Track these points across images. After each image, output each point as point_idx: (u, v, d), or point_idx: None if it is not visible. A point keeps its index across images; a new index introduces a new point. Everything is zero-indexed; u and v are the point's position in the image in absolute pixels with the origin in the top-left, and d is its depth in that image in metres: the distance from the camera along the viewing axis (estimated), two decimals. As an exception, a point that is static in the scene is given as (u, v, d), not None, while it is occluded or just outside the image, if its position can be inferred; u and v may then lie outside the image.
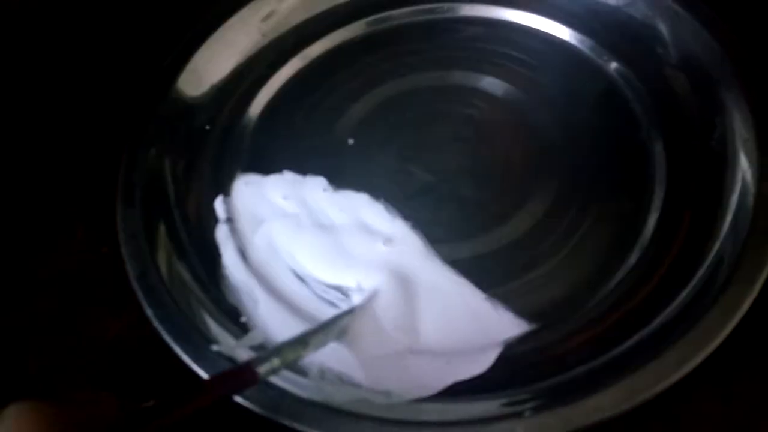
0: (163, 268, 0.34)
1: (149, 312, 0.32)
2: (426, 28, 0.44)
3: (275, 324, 0.33)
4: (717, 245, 0.32)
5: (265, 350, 0.30)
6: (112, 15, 0.47)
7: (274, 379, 0.30)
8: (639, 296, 0.32)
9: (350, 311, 0.32)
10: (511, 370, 0.31)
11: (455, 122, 0.40)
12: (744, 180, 0.33)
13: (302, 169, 0.38)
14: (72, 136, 0.42)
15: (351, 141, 0.40)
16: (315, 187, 0.38)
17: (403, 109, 0.41)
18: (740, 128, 0.34)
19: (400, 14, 0.45)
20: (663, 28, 0.39)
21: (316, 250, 0.35)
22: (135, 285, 0.33)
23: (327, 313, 0.33)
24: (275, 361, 0.28)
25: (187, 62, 0.41)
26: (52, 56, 0.46)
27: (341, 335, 0.31)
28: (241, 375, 0.28)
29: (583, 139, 0.38)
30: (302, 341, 0.30)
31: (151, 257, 0.34)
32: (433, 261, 0.35)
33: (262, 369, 0.28)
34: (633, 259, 0.33)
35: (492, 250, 0.35)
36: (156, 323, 0.32)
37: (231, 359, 0.31)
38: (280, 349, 0.29)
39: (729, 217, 0.32)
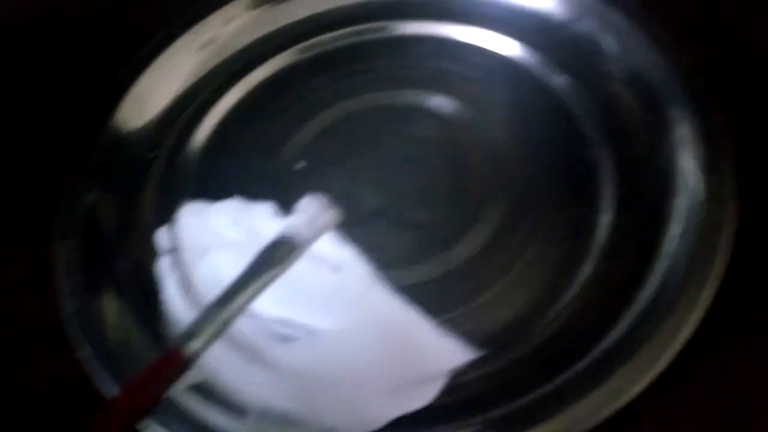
0: (102, 304, 0.33)
1: (85, 351, 0.31)
2: (371, 48, 0.43)
3: (217, 360, 0.32)
4: (663, 267, 0.31)
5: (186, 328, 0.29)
6: (53, 44, 0.46)
7: (210, 423, 0.29)
8: (585, 320, 0.31)
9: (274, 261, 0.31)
10: (457, 400, 0.30)
11: (404, 143, 0.39)
12: (691, 199, 0.32)
13: (250, 195, 0.38)
14: (11, 166, 0.41)
15: (300, 165, 0.39)
16: (263, 213, 0.37)
17: (352, 130, 0.40)
18: (687, 146, 0.34)
19: (343, 34, 0.44)
20: (611, 44, 0.39)
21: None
22: (70, 323, 0.32)
23: (273, 346, 0.32)
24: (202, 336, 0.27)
25: (129, 90, 0.40)
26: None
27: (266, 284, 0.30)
28: (169, 362, 0.27)
29: (533, 156, 0.37)
30: (222, 302, 0.29)
31: (89, 293, 0.34)
32: (380, 289, 0.34)
33: (188, 349, 0.27)
34: (581, 279, 0.33)
35: (441, 274, 0.34)
36: (92, 363, 0.31)
37: (168, 400, 0.30)
38: (201, 321, 0.28)
39: (675, 238, 0.32)
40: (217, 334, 0.28)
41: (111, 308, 0.34)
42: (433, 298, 0.33)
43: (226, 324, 0.29)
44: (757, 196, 0.33)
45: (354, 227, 0.36)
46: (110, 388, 0.30)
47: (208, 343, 0.28)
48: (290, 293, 0.34)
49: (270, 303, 0.34)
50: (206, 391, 0.31)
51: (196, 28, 0.43)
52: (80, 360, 0.31)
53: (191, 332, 0.28)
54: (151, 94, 0.41)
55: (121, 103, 0.40)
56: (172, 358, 0.27)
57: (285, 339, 0.33)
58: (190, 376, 0.31)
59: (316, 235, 0.33)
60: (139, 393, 0.27)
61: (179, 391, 0.30)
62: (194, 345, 0.27)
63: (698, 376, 0.30)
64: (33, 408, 0.33)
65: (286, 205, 0.37)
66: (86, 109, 0.40)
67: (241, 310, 0.29)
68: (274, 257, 0.31)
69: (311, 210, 0.34)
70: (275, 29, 0.44)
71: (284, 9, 0.44)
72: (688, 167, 0.34)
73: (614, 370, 0.28)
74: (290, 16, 0.44)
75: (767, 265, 0.33)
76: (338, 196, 0.37)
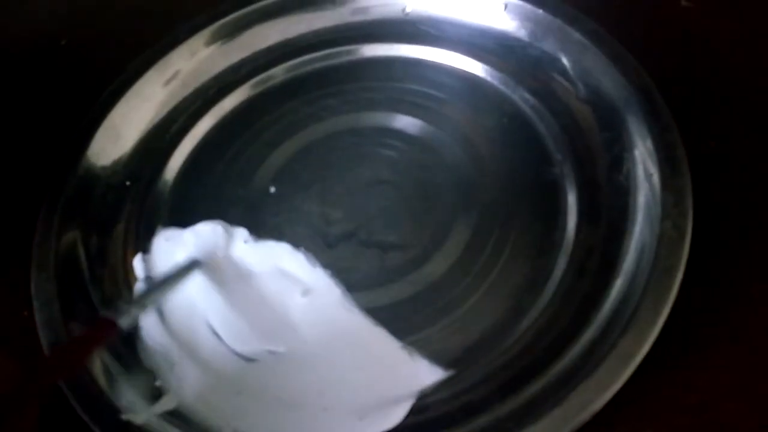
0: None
1: (61, 384, 0.32)
2: (338, 72, 0.44)
3: (190, 386, 0.33)
4: (621, 284, 0.32)
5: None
6: (33, 71, 0.47)
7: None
8: (548, 337, 0.32)
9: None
10: (424, 421, 0.31)
11: (373, 164, 0.40)
12: (648, 216, 0.33)
13: (224, 220, 0.38)
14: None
15: (272, 189, 0.40)
16: (236, 238, 0.38)
17: (322, 154, 0.41)
18: (646, 163, 0.35)
19: (310, 59, 0.45)
20: (572, 63, 0.40)
21: (234, 305, 0.35)
22: (48, 352, 0.33)
23: (245, 369, 0.33)
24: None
25: (104, 120, 0.41)
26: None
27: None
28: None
29: (498, 174, 0.38)
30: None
31: (66, 324, 0.34)
32: (350, 311, 0.35)
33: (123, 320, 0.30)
34: (545, 298, 0.33)
35: (409, 295, 0.35)
36: (66, 392, 0.32)
37: (141, 428, 0.31)
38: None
39: (632, 255, 0.32)
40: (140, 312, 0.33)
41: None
42: (401, 319, 0.34)
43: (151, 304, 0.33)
44: (713, 213, 0.34)
45: (325, 250, 0.37)
46: (90, 415, 0.31)
47: (134, 319, 0.32)
48: (262, 316, 0.35)
49: (242, 326, 0.35)
50: (180, 417, 0.31)
51: (163, 61, 0.44)
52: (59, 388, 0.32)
53: (123, 310, 0.31)
54: (124, 126, 0.42)
55: (95, 135, 0.41)
56: (104, 324, 0.30)
57: (252, 360, 0.34)
58: (163, 404, 0.32)
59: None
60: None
61: (154, 419, 0.31)
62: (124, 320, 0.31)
63: (656, 391, 0.31)
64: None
65: (257, 230, 0.38)
66: (60, 141, 0.41)
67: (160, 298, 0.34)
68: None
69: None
70: (243, 57, 0.45)
71: (255, 35, 0.45)
72: (646, 184, 0.34)
73: (575, 386, 0.29)
74: (258, 44, 0.45)
75: (721, 281, 0.33)
76: (309, 219, 0.38)
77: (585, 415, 0.28)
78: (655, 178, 0.34)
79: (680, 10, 0.45)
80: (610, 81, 0.38)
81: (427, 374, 0.32)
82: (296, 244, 0.37)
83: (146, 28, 0.48)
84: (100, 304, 0.36)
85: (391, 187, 0.39)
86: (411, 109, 0.41)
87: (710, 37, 0.43)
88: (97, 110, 0.42)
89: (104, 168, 0.41)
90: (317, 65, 0.45)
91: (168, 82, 0.44)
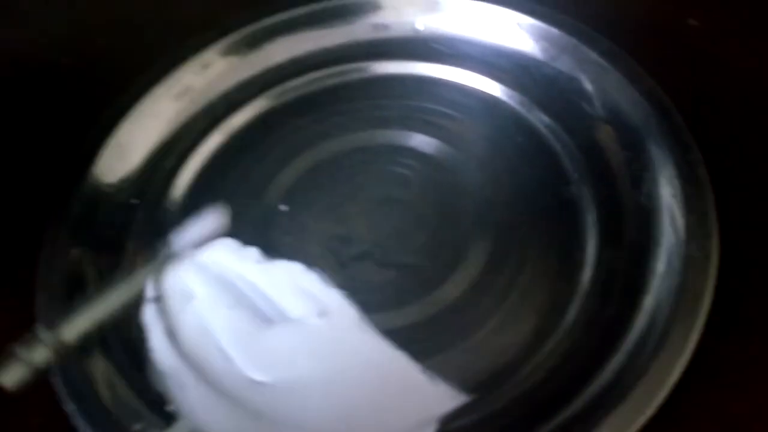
0: (85, 357, 0.33)
1: (69, 407, 0.31)
2: (352, 89, 0.44)
3: (202, 410, 0.31)
4: (649, 306, 0.31)
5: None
6: (34, 90, 0.46)
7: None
8: (574, 362, 0.31)
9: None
10: (449, 449, 0.30)
11: (387, 183, 0.39)
12: (672, 237, 0.33)
13: (234, 239, 0.37)
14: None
15: (283, 208, 0.39)
16: (247, 258, 0.37)
17: (334, 172, 0.40)
18: (667, 184, 0.34)
19: (323, 76, 0.44)
20: (589, 83, 0.39)
21: (245, 327, 0.34)
22: (54, 378, 0.32)
23: (262, 394, 0.32)
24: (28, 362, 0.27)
25: (110, 137, 0.40)
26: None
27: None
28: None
29: (515, 195, 0.38)
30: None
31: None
32: (367, 333, 0.34)
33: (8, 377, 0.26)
34: (568, 320, 0.33)
35: (427, 317, 0.34)
36: (77, 419, 0.31)
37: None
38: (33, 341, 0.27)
39: (659, 277, 0.32)
40: (46, 363, 0.27)
41: (96, 361, 0.33)
42: (419, 342, 0.33)
43: (61, 353, 0.28)
44: (737, 231, 0.33)
45: (340, 270, 0.36)
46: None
47: (30, 373, 0.27)
48: (276, 338, 0.34)
49: (255, 348, 0.33)
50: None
51: (173, 75, 0.43)
52: (67, 414, 0.31)
53: (11, 357, 0.27)
54: (132, 142, 0.41)
55: (102, 152, 0.40)
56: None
57: (268, 385, 0.32)
58: (178, 429, 0.31)
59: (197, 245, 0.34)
60: None
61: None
62: (12, 374, 0.27)
63: (689, 416, 0.30)
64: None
65: (269, 249, 0.37)
66: (66, 158, 0.40)
67: (79, 337, 0.29)
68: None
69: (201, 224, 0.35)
70: (254, 73, 0.44)
71: (264, 52, 0.45)
72: (669, 205, 0.34)
73: (606, 414, 0.28)
74: (270, 59, 0.44)
75: (750, 300, 0.33)
76: (321, 238, 0.37)
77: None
78: (678, 198, 0.33)
79: (688, 29, 0.45)
80: (628, 100, 0.38)
81: (448, 399, 0.31)
82: (309, 263, 0.36)
83: (148, 45, 0.47)
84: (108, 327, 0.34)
85: (405, 206, 0.38)
86: (424, 128, 0.41)
87: (719, 55, 0.43)
88: (104, 127, 0.41)
89: (111, 186, 0.40)
90: (327, 83, 0.44)
91: (176, 98, 0.43)
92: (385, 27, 0.44)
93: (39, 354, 0.26)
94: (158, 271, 0.31)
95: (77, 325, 0.27)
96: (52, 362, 0.26)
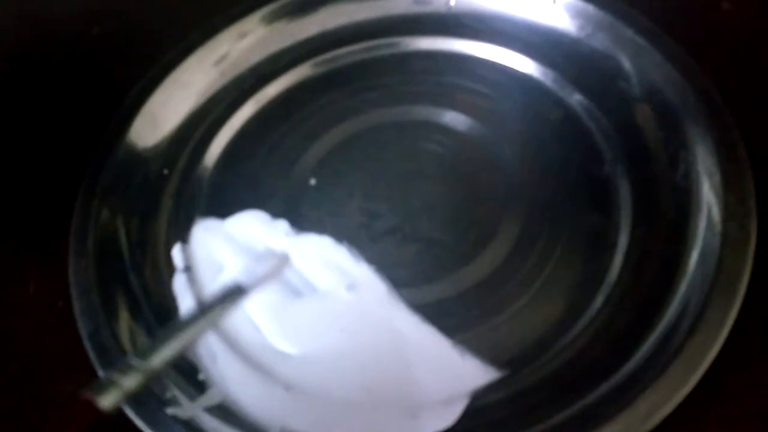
0: (118, 326, 0.33)
1: (101, 373, 0.31)
2: (384, 64, 0.43)
3: (234, 379, 0.32)
4: (685, 285, 0.31)
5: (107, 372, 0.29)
6: (66, 60, 0.46)
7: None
8: (607, 339, 0.31)
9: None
10: (480, 423, 0.30)
11: (418, 159, 0.39)
12: (710, 217, 0.32)
13: (263, 211, 0.37)
14: (23, 185, 0.41)
15: (313, 181, 0.39)
16: (276, 230, 0.37)
17: (365, 146, 0.40)
18: (705, 163, 0.34)
19: (354, 50, 0.44)
20: (625, 61, 0.39)
21: (274, 299, 0.34)
22: (87, 344, 0.32)
23: (291, 366, 0.32)
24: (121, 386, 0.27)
25: (143, 107, 0.40)
26: (4, 105, 0.45)
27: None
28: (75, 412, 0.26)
29: (547, 173, 0.37)
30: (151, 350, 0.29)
31: (105, 314, 0.33)
32: (398, 308, 0.34)
33: (105, 400, 0.26)
34: (600, 298, 0.32)
35: (457, 292, 0.34)
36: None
37: (187, 423, 0.29)
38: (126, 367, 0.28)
39: (695, 257, 0.32)
40: (137, 387, 0.28)
41: (127, 327, 0.33)
42: (449, 317, 0.33)
43: (152, 377, 0.29)
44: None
45: (368, 244, 0.36)
46: (130, 410, 0.30)
47: (125, 397, 0.28)
48: (304, 310, 0.34)
49: (284, 320, 0.33)
50: (227, 412, 0.30)
51: (210, 43, 0.43)
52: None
53: (107, 383, 0.28)
54: (164, 112, 0.41)
55: (134, 121, 0.40)
56: (82, 407, 0.26)
57: (297, 356, 0.32)
58: (208, 398, 0.31)
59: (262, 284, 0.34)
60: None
61: (201, 414, 0.30)
62: (108, 398, 0.27)
63: (726, 395, 0.30)
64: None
65: (298, 222, 0.37)
66: (99, 126, 0.40)
67: (168, 362, 0.30)
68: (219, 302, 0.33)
69: (268, 263, 0.35)
70: (287, 45, 0.44)
71: (298, 24, 0.44)
72: (707, 184, 0.33)
73: (641, 392, 0.28)
74: (303, 32, 0.44)
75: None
76: (351, 213, 0.37)
77: (652, 422, 0.27)
78: (716, 178, 0.33)
79: (722, 11, 0.44)
80: (666, 79, 0.37)
81: (479, 374, 0.31)
82: (338, 237, 0.36)
83: (178, 18, 0.47)
84: (140, 293, 0.35)
85: (435, 182, 0.38)
86: (456, 105, 0.41)
87: (754, 39, 0.42)
88: (136, 96, 0.41)
89: (142, 155, 0.40)
90: (360, 57, 0.43)
91: (209, 68, 0.43)
92: (419, 2, 0.44)
93: (132, 380, 0.28)
94: (231, 306, 0.33)
95: (163, 354, 0.29)
96: (142, 387, 0.28)
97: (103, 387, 0.27)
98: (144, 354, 0.29)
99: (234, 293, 0.33)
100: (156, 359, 0.29)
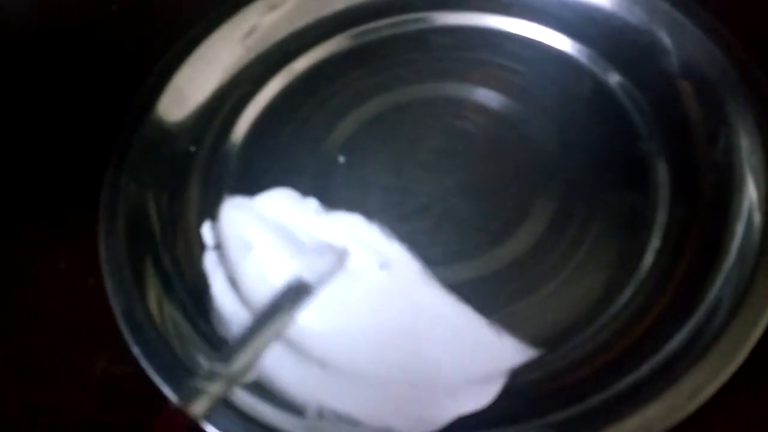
0: (150, 302, 0.33)
1: (135, 350, 0.31)
2: (413, 39, 0.42)
3: (271, 358, 0.31)
4: (727, 264, 0.30)
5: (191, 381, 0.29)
6: (91, 37, 0.46)
7: (267, 420, 0.28)
8: (648, 319, 0.31)
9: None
10: (518, 402, 0.29)
11: (449, 136, 0.38)
12: (751, 195, 0.32)
13: (292, 189, 0.37)
14: (52, 162, 0.41)
15: (342, 159, 0.38)
16: (306, 208, 0.37)
17: (395, 123, 0.39)
18: (746, 140, 0.33)
19: (384, 25, 0.43)
20: (662, 36, 0.38)
21: (307, 277, 0.34)
22: (120, 321, 0.32)
23: (326, 343, 0.32)
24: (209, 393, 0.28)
25: (169, 82, 0.40)
26: (28, 83, 0.44)
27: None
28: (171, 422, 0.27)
29: (582, 151, 0.37)
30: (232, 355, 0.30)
31: (137, 290, 0.33)
32: (432, 286, 0.33)
33: (197, 407, 0.27)
34: (639, 276, 0.32)
35: (492, 271, 0.34)
36: (143, 361, 0.31)
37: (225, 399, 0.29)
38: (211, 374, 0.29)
39: (737, 235, 0.31)
40: (224, 392, 0.29)
41: (159, 304, 0.33)
42: (484, 296, 0.33)
43: (236, 381, 0.30)
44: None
45: (400, 223, 0.35)
46: (165, 386, 0.30)
47: (213, 402, 0.28)
48: (336, 287, 0.33)
49: (318, 300, 0.33)
50: (263, 389, 0.30)
51: (238, 16, 0.42)
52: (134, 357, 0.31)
53: (195, 391, 0.28)
54: (191, 87, 0.40)
55: (161, 96, 0.39)
56: (174, 419, 0.28)
57: (326, 334, 0.32)
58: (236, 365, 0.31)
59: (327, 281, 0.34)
60: None
61: (236, 390, 0.30)
62: (199, 406, 0.28)
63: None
64: (87, 406, 0.32)
65: (327, 200, 0.36)
66: (125, 103, 0.39)
67: (250, 365, 0.30)
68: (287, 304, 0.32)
69: (330, 259, 0.34)
70: (316, 19, 0.43)
71: (315, 3, 0.43)
72: (747, 161, 0.33)
73: (684, 371, 0.27)
74: (331, 6, 0.43)
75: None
76: (381, 191, 0.37)
77: (695, 403, 0.27)
78: (758, 154, 0.32)
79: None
80: (704, 54, 0.36)
81: (516, 353, 0.31)
82: (369, 216, 0.35)
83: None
84: (172, 270, 0.34)
85: (466, 160, 0.38)
86: (487, 81, 0.40)
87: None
88: (163, 70, 0.40)
89: (170, 132, 0.39)
90: (388, 32, 0.43)
91: (236, 43, 0.42)
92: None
93: (218, 386, 0.29)
94: (300, 306, 0.32)
95: (243, 359, 0.30)
96: (227, 392, 0.29)
97: (192, 395, 0.28)
98: (226, 360, 0.30)
99: (301, 292, 0.33)
100: (237, 365, 0.30)
